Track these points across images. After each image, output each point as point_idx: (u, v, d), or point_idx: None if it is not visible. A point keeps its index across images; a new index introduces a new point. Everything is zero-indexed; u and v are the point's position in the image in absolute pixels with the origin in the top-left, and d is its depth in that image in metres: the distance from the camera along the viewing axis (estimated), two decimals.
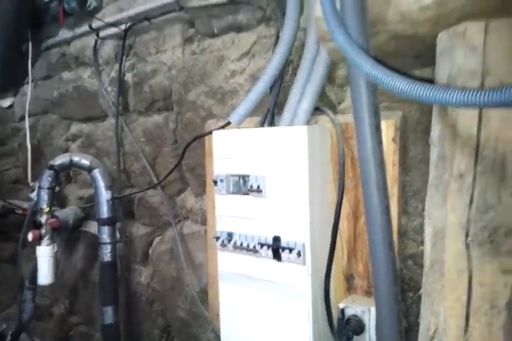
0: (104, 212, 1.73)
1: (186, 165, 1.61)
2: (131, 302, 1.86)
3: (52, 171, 1.78)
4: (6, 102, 2.61)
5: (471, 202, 0.71)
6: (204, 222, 1.57)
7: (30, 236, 1.73)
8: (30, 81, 2.28)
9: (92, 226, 1.89)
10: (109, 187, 1.74)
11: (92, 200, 2.03)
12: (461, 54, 0.75)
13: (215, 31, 1.53)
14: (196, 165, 1.58)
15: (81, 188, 2.16)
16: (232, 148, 1.21)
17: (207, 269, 1.50)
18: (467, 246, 0.71)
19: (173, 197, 1.69)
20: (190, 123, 1.61)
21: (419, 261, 1.01)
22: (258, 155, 1.14)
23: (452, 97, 0.63)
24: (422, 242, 1.00)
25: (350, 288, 1.12)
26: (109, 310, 1.72)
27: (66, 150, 2.23)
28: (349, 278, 1.12)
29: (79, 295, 2.18)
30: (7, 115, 2.66)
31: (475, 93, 0.60)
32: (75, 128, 2.20)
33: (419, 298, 0.93)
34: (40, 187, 1.79)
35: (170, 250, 1.71)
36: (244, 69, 1.44)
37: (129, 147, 1.84)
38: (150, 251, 1.81)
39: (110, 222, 1.74)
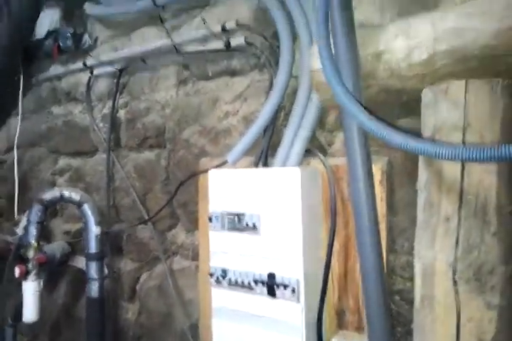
0: (93, 247, 1.75)
1: (177, 202, 1.66)
2: (118, 338, 1.84)
3: (41, 205, 1.79)
4: None
5: (456, 242, 0.78)
6: (195, 258, 1.60)
7: (17, 271, 1.72)
8: (20, 114, 2.30)
9: (79, 261, 1.89)
10: (98, 223, 1.76)
11: (79, 235, 2.05)
12: (445, 108, 0.84)
13: (210, 74, 1.62)
14: (188, 202, 1.63)
15: (67, 222, 2.17)
16: (228, 186, 1.27)
17: (198, 305, 1.52)
18: (454, 283, 0.77)
19: (163, 233, 1.72)
20: (183, 161, 1.66)
21: (407, 297, 1.07)
22: (253, 194, 1.20)
23: (438, 151, 0.71)
24: (408, 278, 1.06)
25: (341, 323, 1.17)
26: None
27: (53, 184, 2.25)
28: (340, 314, 1.17)
29: (61, 332, 2.14)
30: None
31: (459, 149, 0.68)
32: (62, 162, 2.23)
33: (408, 331, 0.98)
34: (28, 221, 1.79)
35: (158, 286, 1.72)
36: (238, 111, 1.52)
37: (120, 182, 1.88)
38: (138, 287, 1.82)
39: (98, 257, 1.75)
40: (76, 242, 1.99)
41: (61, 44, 2.06)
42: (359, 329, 1.13)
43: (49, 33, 2.15)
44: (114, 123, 1.91)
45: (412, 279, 1.06)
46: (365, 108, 0.83)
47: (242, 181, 1.24)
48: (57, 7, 2.14)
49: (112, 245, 1.84)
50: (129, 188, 1.82)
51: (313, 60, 1.04)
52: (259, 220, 1.18)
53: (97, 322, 1.73)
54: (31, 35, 2.14)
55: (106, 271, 1.78)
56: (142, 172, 1.81)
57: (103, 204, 1.89)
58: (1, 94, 2.31)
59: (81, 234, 2.04)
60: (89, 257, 1.75)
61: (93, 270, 1.74)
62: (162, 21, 1.69)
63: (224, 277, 1.25)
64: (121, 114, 1.90)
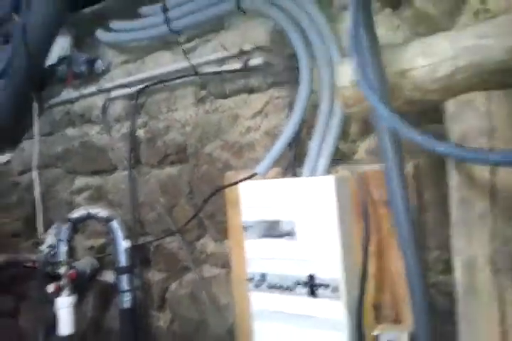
0: (123, 260, 1.83)
1: (205, 213, 1.74)
2: None
3: (70, 224, 1.86)
4: (4, 158, 2.68)
5: (492, 236, 0.89)
6: (225, 266, 1.68)
7: (51, 288, 1.78)
8: (36, 136, 2.37)
9: (108, 276, 1.96)
10: (126, 237, 1.84)
11: (103, 250, 2.12)
12: (470, 117, 0.96)
13: (227, 93, 1.72)
14: (215, 213, 1.72)
15: (88, 239, 2.23)
16: (260, 197, 1.37)
17: (233, 310, 1.60)
18: (495, 273, 0.88)
19: (192, 243, 1.81)
20: (207, 175, 1.75)
21: (441, 289, 1.18)
22: (287, 202, 1.30)
23: (467, 155, 0.83)
24: (441, 272, 1.17)
25: (378, 317, 1.26)
26: None
27: (71, 203, 2.31)
28: (377, 308, 1.26)
29: None
30: (3, 171, 2.72)
31: (487, 153, 0.79)
32: (80, 181, 2.30)
33: (444, 321, 1.08)
34: (58, 240, 1.86)
35: (190, 293, 1.80)
36: (259, 126, 1.62)
37: (143, 198, 1.96)
38: (168, 296, 1.89)
39: (129, 270, 1.83)
40: (102, 257, 2.06)
41: (75, 69, 2.15)
42: (396, 321, 1.23)
43: (61, 59, 2.24)
44: (133, 142, 1.99)
45: (444, 272, 1.17)
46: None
47: (274, 191, 1.34)
48: (68, 34, 2.23)
49: (139, 257, 1.92)
50: (154, 203, 1.90)
51: (341, 77, 1.15)
52: (295, 226, 1.28)
53: (131, 333, 1.80)
54: (44, 62, 2.22)
55: (136, 282, 1.85)
56: (165, 188, 1.89)
57: (127, 219, 1.96)
58: (15, 119, 2.38)
59: (105, 248, 2.12)
60: (119, 270, 1.83)
61: (124, 282, 1.82)
62: (179, 45, 1.80)
63: (263, 281, 1.34)
64: (141, 133, 1.99)
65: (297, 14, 1.46)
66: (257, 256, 1.37)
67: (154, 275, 1.93)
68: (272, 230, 1.33)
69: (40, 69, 2.21)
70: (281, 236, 1.31)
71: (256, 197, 1.37)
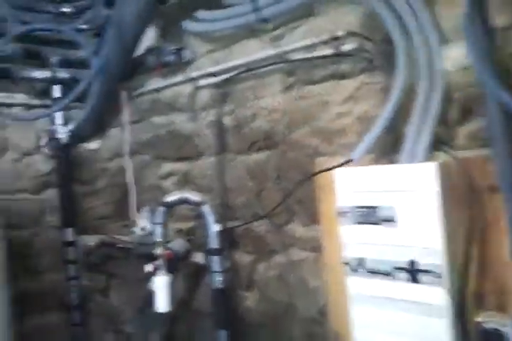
0: (214, 243, 1.91)
1: (293, 198, 1.78)
2: (240, 326, 2.00)
3: (165, 208, 1.97)
4: (94, 145, 2.85)
5: None
6: (314, 250, 1.72)
7: (149, 268, 1.91)
8: (127, 124, 2.50)
9: (199, 257, 2.07)
10: (217, 221, 1.93)
11: (191, 232, 2.23)
12: None
13: (316, 79, 1.73)
14: (303, 198, 1.75)
15: (177, 222, 2.34)
16: (357, 183, 1.38)
17: (324, 293, 1.64)
18: None
19: (280, 227, 1.86)
20: (295, 161, 1.79)
21: None
22: (387, 189, 1.31)
23: None
24: None
25: (480, 305, 1.26)
26: (223, 334, 1.87)
27: (159, 188, 2.43)
28: (480, 296, 1.26)
29: (178, 324, 2.33)
30: (92, 157, 2.88)
31: None
32: (167, 167, 2.41)
33: None
34: (155, 223, 1.98)
35: (278, 275, 1.86)
36: (351, 111, 1.62)
37: (231, 183, 2.03)
38: (256, 277, 1.97)
39: (219, 252, 1.92)
40: (191, 239, 2.17)
41: (163, 59, 2.24)
42: (500, 309, 1.22)
43: (149, 49, 2.34)
44: (220, 130, 2.06)
45: None
46: None
47: (372, 178, 1.35)
48: (155, 25, 2.32)
49: (228, 240, 2.00)
50: (242, 188, 1.97)
51: (446, 62, 1.13)
52: (395, 212, 1.29)
53: (223, 311, 1.90)
54: (133, 53, 2.32)
55: (226, 264, 1.94)
56: (253, 173, 1.95)
57: (216, 204, 2.04)
58: (105, 108, 2.53)
59: (193, 231, 2.23)
60: (211, 252, 1.92)
61: (216, 264, 1.91)
62: (266, 32, 1.83)
63: (361, 266, 1.37)
64: (227, 120, 2.05)
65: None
66: (353, 241, 1.40)
67: (242, 257, 2.01)
68: (370, 216, 1.35)
69: (130, 60, 2.33)
70: (379, 222, 1.33)
71: (353, 184, 1.39)
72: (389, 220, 1.30)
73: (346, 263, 1.41)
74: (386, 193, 1.31)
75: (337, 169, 1.45)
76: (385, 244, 1.32)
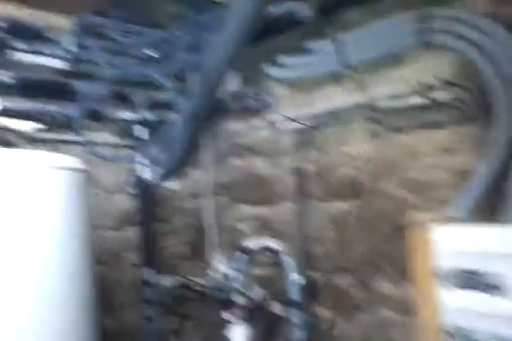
0: (294, 294, 1.85)
1: (380, 252, 1.69)
2: None
3: (245, 254, 1.94)
4: (174, 185, 2.90)
5: None
6: (405, 310, 1.60)
7: (228, 315, 1.87)
8: (210, 166, 2.53)
9: (277, 307, 2.00)
10: (297, 271, 1.86)
11: (268, 280, 2.17)
12: None
13: (404, 128, 1.66)
14: (391, 253, 1.65)
15: (253, 268, 2.30)
16: (460, 243, 1.27)
17: None
18: None
19: (363, 282, 1.76)
20: (382, 212, 1.70)
21: None
22: (495, 252, 1.19)
23: None
24: None
25: None
26: None
27: (235, 230, 2.41)
28: None
29: None
30: (170, 196, 2.94)
31: None
32: (244, 210, 2.39)
33: None
34: (234, 269, 1.95)
35: (363, 335, 1.75)
36: (443, 163, 1.53)
37: (311, 231, 1.97)
38: (334, 333, 1.86)
39: (299, 304, 1.84)
40: (267, 287, 2.11)
41: (244, 103, 2.27)
42: None
43: (230, 93, 2.38)
44: (301, 176, 2.02)
45: None
46: None
47: (477, 238, 1.24)
48: (235, 69, 2.36)
49: (309, 292, 1.92)
50: (323, 237, 1.90)
51: None
52: (504, 280, 1.16)
53: None
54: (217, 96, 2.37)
55: (306, 317, 1.86)
56: (335, 222, 1.88)
57: (295, 252, 1.98)
58: (188, 149, 2.58)
59: (271, 279, 2.17)
60: (290, 304, 1.85)
61: (295, 316, 1.83)
62: (351, 79, 1.79)
63: (464, 336, 1.24)
64: (309, 166, 2.01)
65: (488, 46, 1.36)
66: (454, 307, 1.28)
67: (322, 311, 1.92)
68: (474, 281, 1.23)
69: (214, 103, 2.37)
70: (485, 288, 1.20)
71: (454, 243, 1.28)
72: (496, 288, 1.18)
73: (447, 332, 1.28)
74: (492, 256, 1.20)
75: (435, 225, 1.35)
76: (493, 315, 1.19)
